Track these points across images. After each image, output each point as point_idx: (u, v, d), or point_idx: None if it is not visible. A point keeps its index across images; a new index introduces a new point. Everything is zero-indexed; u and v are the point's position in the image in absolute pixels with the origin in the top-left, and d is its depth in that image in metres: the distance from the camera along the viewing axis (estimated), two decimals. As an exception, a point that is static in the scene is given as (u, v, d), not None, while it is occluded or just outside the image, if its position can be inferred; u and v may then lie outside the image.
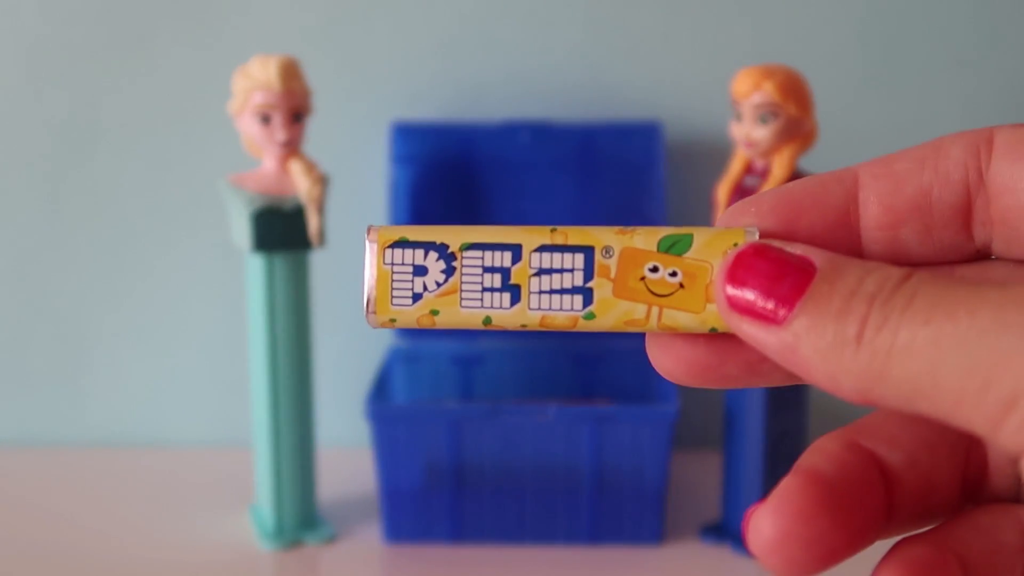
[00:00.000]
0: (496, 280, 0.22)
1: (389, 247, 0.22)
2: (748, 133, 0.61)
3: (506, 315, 0.22)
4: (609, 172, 0.75)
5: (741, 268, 0.21)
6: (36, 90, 0.78)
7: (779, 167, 0.61)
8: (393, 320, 0.22)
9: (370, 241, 0.23)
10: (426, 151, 0.75)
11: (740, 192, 0.63)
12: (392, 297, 0.22)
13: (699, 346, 0.22)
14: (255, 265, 0.64)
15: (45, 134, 0.78)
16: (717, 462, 0.72)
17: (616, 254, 0.22)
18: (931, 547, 0.21)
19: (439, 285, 0.22)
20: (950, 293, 0.19)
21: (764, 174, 0.62)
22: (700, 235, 0.22)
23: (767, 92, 0.60)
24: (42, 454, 0.79)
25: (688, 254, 0.22)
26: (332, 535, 0.66)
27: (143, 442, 0.81)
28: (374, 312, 0.23)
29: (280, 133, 0.62)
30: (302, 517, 0.66)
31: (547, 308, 0.22)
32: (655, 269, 0.22)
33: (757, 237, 0.22)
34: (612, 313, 0.22)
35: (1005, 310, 0.18)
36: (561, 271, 0.22)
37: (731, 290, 0.21)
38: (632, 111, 0.77)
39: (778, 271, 0.20)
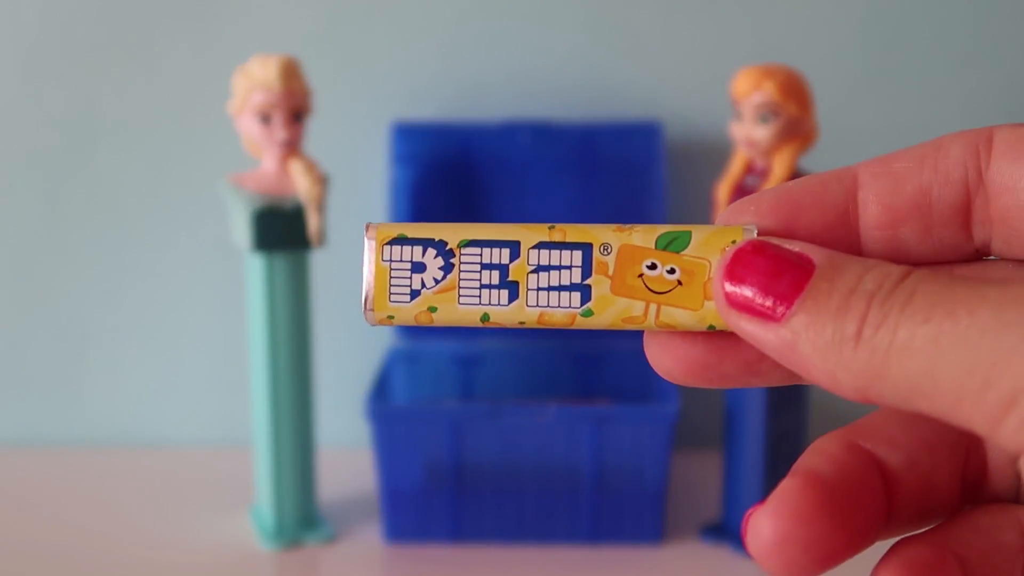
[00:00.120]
0: (494, 277, 0.22)
1: (387, 244, 0.22)
2: (748, 133, 0.61)
3: (504, 312, 0.22)
4: (609, 172, 0.75)
5: (739, 265, 0.21)
6: (36, 90, 0.77)
7: (779, 167, 0.61)
8: (391, 317, 0.22)
9: (368, 238, 0.23)
10: (426, 151, 0.75)
11: (740, 192, 0.63)
12: (390, 294, 0.22)
13: (697, 344, 0.22)
14: (255, 265, 0.64)
15: (45, 134, 0.78)
16: (717, 462, 0.72)
17: (614, 251, 0.22)
18: (930, 547, 0.21)
19: (437, 282, 0.22)
20: (949, 291, 0.19)
21: (764, 174, 0.62)
22: (699, 232, 0.22)
23: (767, 92, 0.60)
24: (42, 454, 0.79)
25: (686, 251, 0.22)
26: (332, 535, 0.66)
27: (143, 442, 0.81)
28: (372, 309, 0.22)
29: (280, 133, 0.62)
30: (302, 517, 0.66)
31: (545, 305, 0.22)
32: (653, 266, 0.22)
33: (756, 234, 0.22)
34: (610, 310, 0.22)
35: (1005, 309, 0.18)
36: (559, 268, 0.22)
37: (729, 287, 0.21)
38: (632, 111, 0.77)
39: (777, 268, 0.20)
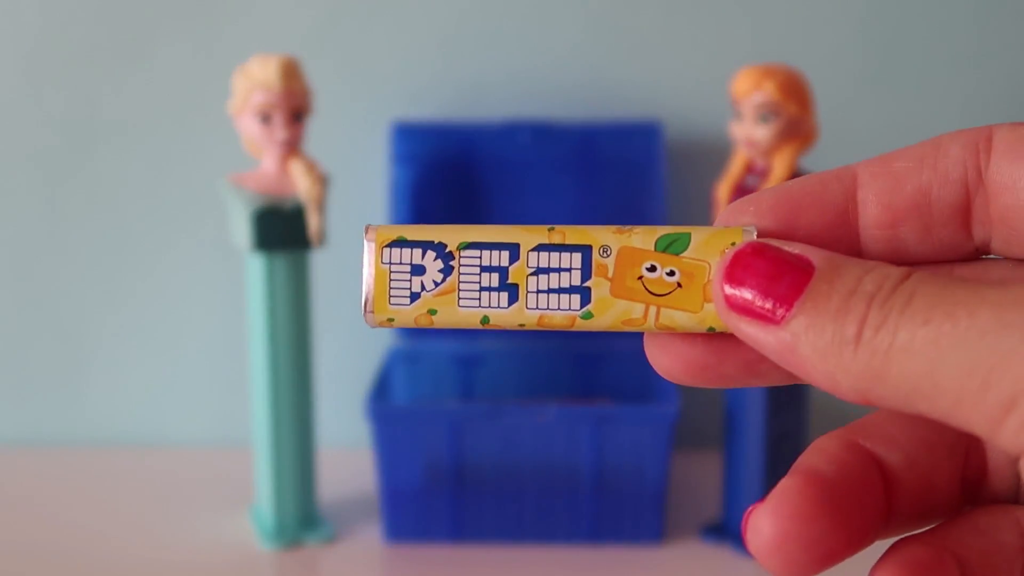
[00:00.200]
0: (494, 279, 0.22)
1: (387, 246, 0.22)
2: (749, 133, 0.61)
3: (504, 314, 0.22)
4: (609, 172, 0.75)
5: (739, 267, 0.21)
6: (36, 90, 0.77)
7: (779, 166, 0.61)
8: (391, 319, 0.22)
9: (368, 240, 0.22)
10: (426, 151, 0.75)
11: (740, 192, 0.63)
12: (390, 296, 0.22)
13: (697, 345, 0.22)
14: (255, 265, 0.64)
15: (45, 134, 0.78)
16: (717, 462, 0.72)
17: (614, 253, 0.22)
18: (929, 547, 0.21)
19: (437, 284, 0.22)
20: (949, 293, 0.19)
21: (765, 174, 0.62)
22: (698, 234, 0.22)
23: (768, 92, 0.60)
24: (42, 454, 0.79)
25: (686, 253, 0.22)
26: (332, 535, 0.66)
27: (143, 442, 0.81)
28: (372, 311, 0.22)
29: (280, 133, 0.62)
30: (302, 517, 0.66)
31: (545, 307, 0.22)
32: (653, 268, 0.22)
33: (755, 236, 0.22)
34: (610, 312, 0.22)
35: (1004, 310, 0.18)
36: (559, 270, 0.22)
37: (729, 289, 0.21)
38: (632, 111, 0.77)
39: (776, 270, 0.20)
